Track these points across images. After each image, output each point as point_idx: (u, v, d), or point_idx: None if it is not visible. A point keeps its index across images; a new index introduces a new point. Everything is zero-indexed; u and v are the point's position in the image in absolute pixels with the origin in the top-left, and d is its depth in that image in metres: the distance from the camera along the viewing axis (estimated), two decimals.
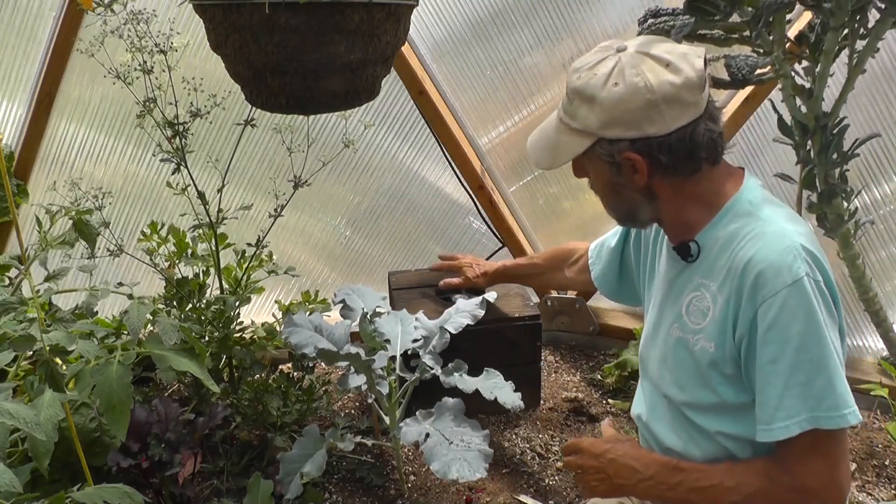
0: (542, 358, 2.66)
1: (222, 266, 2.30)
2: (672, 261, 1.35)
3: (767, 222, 1.21)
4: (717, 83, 1.83)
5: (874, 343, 2.62)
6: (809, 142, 1.95)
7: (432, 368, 2.10)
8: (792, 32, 2.00)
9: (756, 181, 1.31)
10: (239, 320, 2.33)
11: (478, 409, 2.28)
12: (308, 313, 2.25)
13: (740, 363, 1.21)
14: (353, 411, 2.59)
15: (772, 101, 2.07)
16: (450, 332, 2.20)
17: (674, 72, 1.16)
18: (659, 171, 1.22)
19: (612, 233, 1.71)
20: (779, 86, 1.94)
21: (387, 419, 2.13)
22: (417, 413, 2.04)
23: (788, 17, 1.85)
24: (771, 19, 1.76)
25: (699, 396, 1.27)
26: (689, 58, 1.18)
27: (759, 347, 1.15)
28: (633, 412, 1.51)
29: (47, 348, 1.48)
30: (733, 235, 1.22)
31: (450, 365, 2.11)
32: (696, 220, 1.27)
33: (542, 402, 2.61)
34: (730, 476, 1.21)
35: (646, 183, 1.23)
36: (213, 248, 2.24)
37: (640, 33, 1.96)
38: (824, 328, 1.14)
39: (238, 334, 2.37)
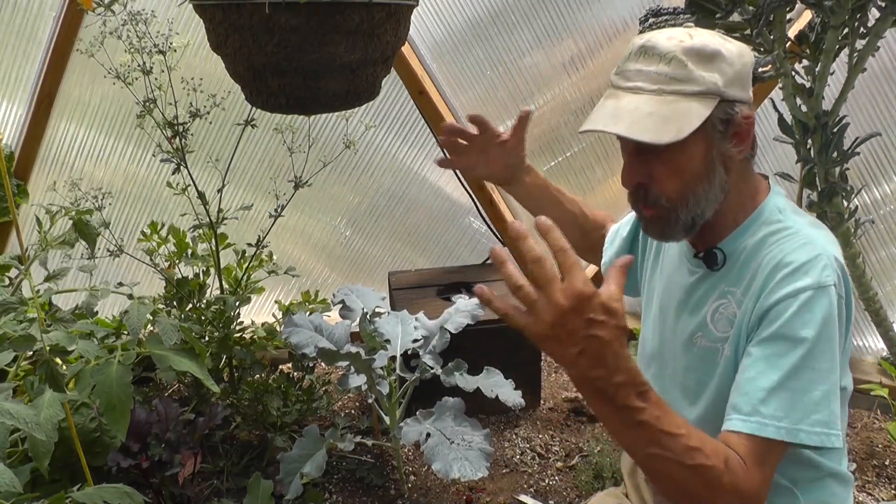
0: (542, 358, 2.66)
1: (222, 266, 2.30)
2: (689, 266, 1.30)
3: (799, 229, 1.18)
4: None
5: (874, 343, 2.62)
6: (810, 140, 1.95)
7: (432, 368, 2.10)
8: (792, 31, 2.01)
9: (780, 188, 1.27)
10: (239, 320, 2.33)
11: (477, 409, 2.29)
12: (308, 313, 2.25)
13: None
14: (353, 411, 2.59)
15: (772, 100, 2.07)
16: (450, 332, 2.20)
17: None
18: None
19: (626, 220, 1.58)
20: (779, 84, 1.95)
21: (387, 419, 2.13)
22: (418, 413, 2.04)
23: (789, 16, 1.85)
24: (771, 18, 1.76)
25: (720, 407, 1.20)
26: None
27: (765, 341, 1.11)
28: None
29: (47, 348, 1.48)
30: (762, 242, 1.19)
31: (450, 364, 2.11)
32: (725, 225, 1.23)
33: (542, 402, 2.60)
34: (697, 438, 1.03)
35: (746, 153, 1.18)
36: (213, 248, 2.24)
37: (640, 32, 1.97)
38: (835, 343, 1.11)
39: (238, 334, 2.37)
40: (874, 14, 1.78)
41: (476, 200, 2.85)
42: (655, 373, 1.41)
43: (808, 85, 1.91)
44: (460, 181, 2.82)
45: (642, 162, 1.16)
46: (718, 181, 1.17)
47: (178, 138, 2.05)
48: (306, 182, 2.21)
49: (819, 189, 1.98)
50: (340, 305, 2.28)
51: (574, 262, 0.91)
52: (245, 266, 2.35)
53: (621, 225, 1.60)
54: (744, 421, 1.08)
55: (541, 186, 1.55)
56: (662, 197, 1.16)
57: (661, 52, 1.12)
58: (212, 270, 2.33)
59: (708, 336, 1.24)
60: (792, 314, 1.10)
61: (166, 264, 2.32)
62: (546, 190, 1.56)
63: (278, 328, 2.49)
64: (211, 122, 2.15)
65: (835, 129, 1.90)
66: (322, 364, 2.58)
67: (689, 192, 1.15)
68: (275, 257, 2.43)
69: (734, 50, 1.13)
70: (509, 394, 2.05)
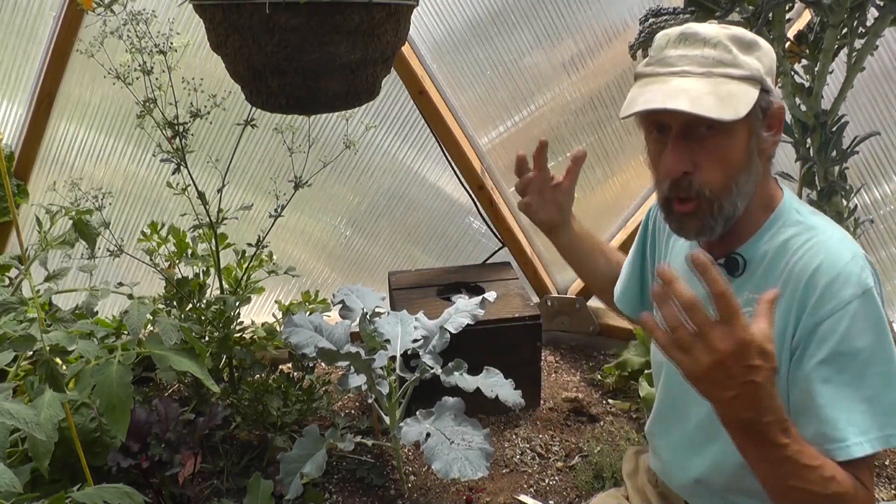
0: (542, 358, 2.66)
1: (222, 266, 2.30)
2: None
3: (822, 231, 1.16)
4: None
5: None
6: (809, 139, 1.95)
7: (432, 368, 2.11)
8: (791, 31, 2.01)
9: (785, 187, 1.26)
10: (239, 320, 2.33)
11: (477, 409, 2.29)
12: (308, 313, 2.25)
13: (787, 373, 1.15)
14: (353, 411, 2.59)
15: None
16: (450, 332, 2.20)
17: None
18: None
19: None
20: (778, 84, 1.95)
21: (387, 419, 2.13)
22: (418, 413, 2.04)
23: (788, 15, 1.86)
24: (770, 17, 1.76)
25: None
26: None
27: (828, 362, 1.09)
28: (647, 429, 1.46)
29: (47, 348, 1.48)
30: (786, 245, 1.16)
31: (450, 364, 2.11)
32: (744, 227, 1.20)
33: (542, 402, 2.61)
34: (830, 468, 1.05)
35: (772, 151, 1.18)
36: (213, 248, 2.24)
37: (640, 32, 1.97)
38: (890, 339, 1.10)
39: (238, 334, 2.37)
40: (873, 13, 1.78)
41: (476, 200, 2.85)
42: (664, 381, 1.38)
43: (807, 84, 1.92)
44: (460, 181, 2.82)
45: (686, 150, 1.13)
46: (755, 172, 1.16)
47: (178, 138, 2.05)
48: (306, 182, 2.21)
49: (818, 188, 1.98)
50: (340, 305, 2.28)
51: (735, 307, 0.92)
52: (245, 266, 2.35)
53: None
54: (844, 448, 1.08)
55: (586, 235, 1.54)
56: (706, 187, 1.14)
57: (705, 38, 1.11)
58: (212, 270, 2.33)
59: None
60: (845, 328, 1.08)
61: (166, 264, 2.32)
62: (590, 239, 1.55)
63: (278, 328, 2.49)
64: (211, 122, 2.15)
65: (834, 129, 1.90)
66: (322, 364, 2.57)
67: (732, 181, 1.14)
68: (275, 257, 2.43)
69: (765, 43, 1.15)
70: (509, 394, 2.06)
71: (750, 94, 1.10)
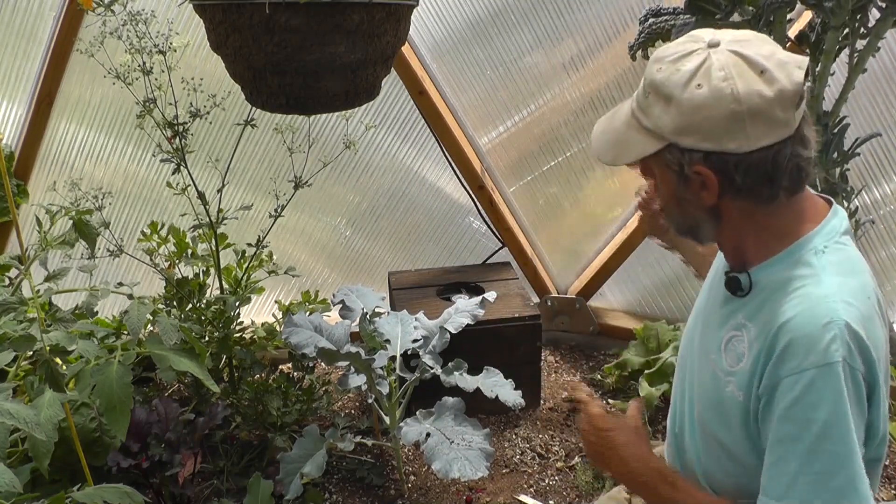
0: (542, 358, 2.66)
1: (222, 266, 2.30)
2: (723, 283, 1.23)
3: (820, 281, 1.07)
4: None
5: None
6: None
7: (432, 368, 2.10)
8: (792, 32, 2.01)
9: (841, 219, 1.15)
10: (239, 320, 2.33)
11: (478, 409, 2.28)
12: (308, 313, 2.25)
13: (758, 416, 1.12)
14: (353, 411, 2.59)
15: None
16: (450, 332, 2.20)
17: (767, 81, 1.02)
18: (730, 192, 1.07)
19: None
20: None
21: (387, 419, 2.13)
22: (418, 413, 2.04)
23: (789, 16, 1.86)
24: (772, 18, 1.76)
25: (721, 432, 1.19)
26: (789, 67, 1.04)
27: (778, 421, 1.06)
28: (668, 424, 1.42)
29: (47, 348, 1.48)
30: (785, 284, 1.10)
31: (450, 364, 2.11)
32: (756, 253, 1.14)
33: (542, 402, 2.60)
34: None
35: (714, 203, 1.10)
36: (213, 248, 2.24)
37: (640, 33, 1.97)
38: (851, 421, 1.02)
39: (238, 334, 2.37)
40: (874, 15, 1.78)
41: (476, 200, 2.85)
42: (679, 375, 1.35)
43: (808, 85, 1.92)
44: (460, 181, 2.82)
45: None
46: (700, 221, 1.14)
47: (178, 138, 2.05)
48: (306, 182, 2.21)
49: (819, 190, 1.98)
50: (340, 305, 2.28)
51: (586, 403, 1.29)
52: (245, 266, 2.35)
53: None
54: None
55: None
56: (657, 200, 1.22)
57: (646, 74, 1.09)
58: (212, 270, 2.33)
59: (717, 363, 1.18)
60: (797, 395, 1.03)
61: (166, 264, 2.32)
62: None
63: (278, 328, 2.49)
64: (211, 122, 2.15)
65: (835, 130, 1.90)
66: (322, 364, 2.58)
67: (666, 207, 1.18)
68: (275, 257, 2.43)
69: (701, 98, 1.02)
70: (509, 394, 2.06)
71: (642, 148, 1.09)
